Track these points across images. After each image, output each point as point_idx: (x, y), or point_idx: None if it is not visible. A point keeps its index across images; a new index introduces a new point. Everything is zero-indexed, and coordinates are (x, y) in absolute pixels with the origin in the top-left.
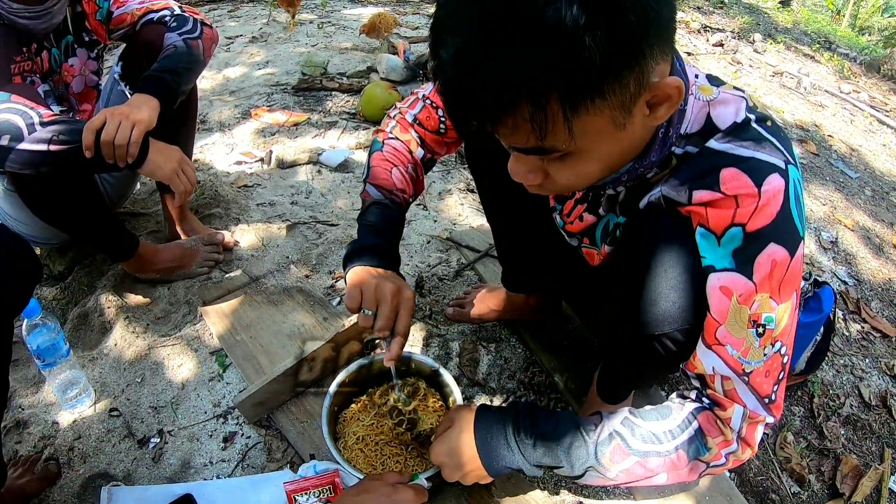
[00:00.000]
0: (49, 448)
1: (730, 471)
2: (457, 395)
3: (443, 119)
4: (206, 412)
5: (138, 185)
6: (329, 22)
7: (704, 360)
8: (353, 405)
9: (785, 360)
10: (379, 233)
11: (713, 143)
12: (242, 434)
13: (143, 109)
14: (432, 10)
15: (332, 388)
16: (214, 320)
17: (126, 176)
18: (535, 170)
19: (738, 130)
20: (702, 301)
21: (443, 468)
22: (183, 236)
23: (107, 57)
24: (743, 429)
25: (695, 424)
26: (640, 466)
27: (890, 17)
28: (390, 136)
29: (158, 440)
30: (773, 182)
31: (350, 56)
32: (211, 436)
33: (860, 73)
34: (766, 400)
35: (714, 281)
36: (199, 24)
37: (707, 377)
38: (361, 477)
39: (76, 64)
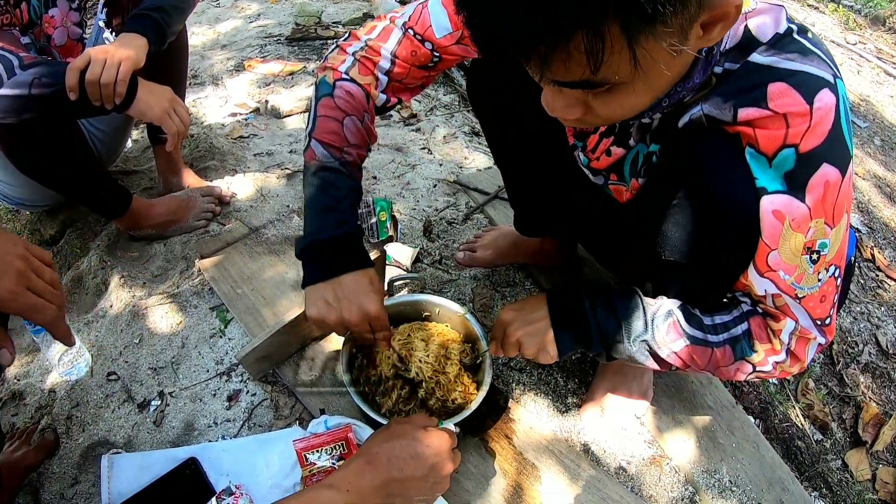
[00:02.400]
0: (46, 418)
1: (755, 417)
2: (483, 341)
3: (436, 54)
4: (208, 370)
5: (129, 143)
6: None
7: (756, 284)
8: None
9: (839, 283)
10: (329, 216)
11: (756, 57)
12: (247, 392)
13: (130, 47)
14: None
15: (343, 358)
16: (214, 274)
17: (116, 130)
18: (576, 104)
19: (782, 42)
20: (756, 222)
21: (510, 326)
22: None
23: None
24: (792, 343)
25: (744, 325)
26: (688, 352)
27: None
28: (344, 76)
29: (159, 403)
30: (825, 98)
31: (344, 5)
32: (214, 395)
33: (865, 26)
34: (820, 322)
35: (766, 204)
36: None
37: (757, 296)
38: (383, 422)
39: (57, 15)
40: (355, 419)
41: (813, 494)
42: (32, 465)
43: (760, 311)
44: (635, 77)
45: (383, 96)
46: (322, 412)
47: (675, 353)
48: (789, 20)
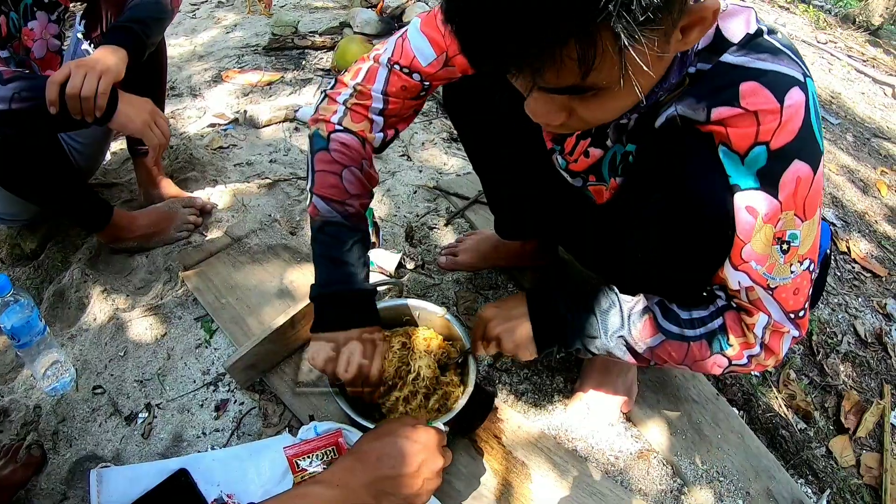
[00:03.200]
0: (32, 434)
1: (739, 409)
2: (466, 339)
3: (425, 83)
4: (194, 381)
5: (108, 156)
6: None
7: (730, 277)
8: None
9: (813, 276)
10: (336, 271)
11: (728, 58)
12: (235, 401)
13: (111, 60)
14: None
15: None
16: (197, 285)
17: (95, 142)
18: (560, 110)
19: (752, 42)
20: (730, 219)
21: (490, 323)
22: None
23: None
24: (766, 336)
25: (719, 320)
26: (665, 348)
27: None
28: (338, 127)
29: (147, 415)
30: (795, 96)
31: (320, 15)
32: (202, 405)
33: (835, 25)
34: (793, 315)
35: (740, 201)
36: None
37: (732, 290)
38: (371, 426)
39: (36, 28)
40: (345, 424)
41: (799, 482)
42: (20, 483)
43: (735, 305)
44: (621, 81)
45: (380, 135)
46: (311, 418)
47: (652, 348)
48: (759, 21)
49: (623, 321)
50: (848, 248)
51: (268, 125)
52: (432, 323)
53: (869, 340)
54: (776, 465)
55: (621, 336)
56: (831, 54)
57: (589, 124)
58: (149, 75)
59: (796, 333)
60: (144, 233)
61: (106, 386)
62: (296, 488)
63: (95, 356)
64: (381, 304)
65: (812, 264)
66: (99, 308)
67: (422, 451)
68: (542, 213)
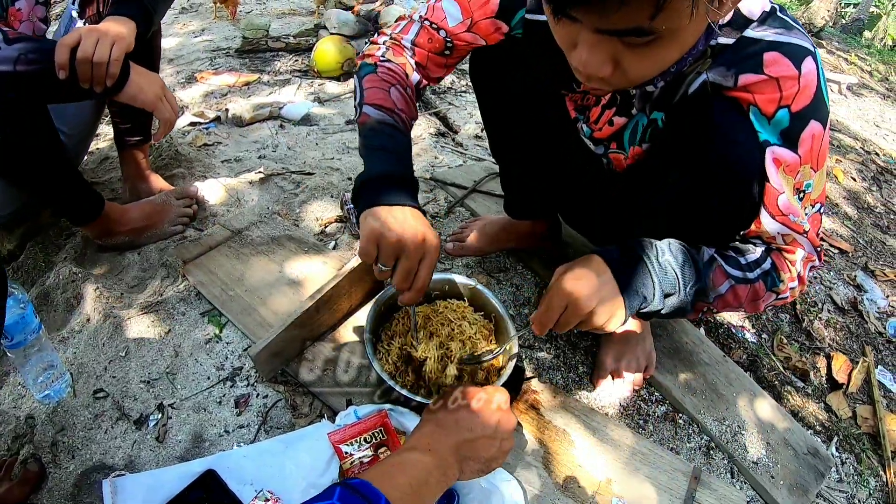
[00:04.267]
0: (27, 447)
1: (746, 369)
2: (500, 308)
3: (448, 40)
4: (209, 377)
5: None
6: None
7: (769, 226)
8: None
9: (822, 218)
10: (389, 157)
11: (750, 32)
12: (257, 395)
13: (122, 29)
14: None
15: (370, 313)
16: (201, 279)
17: (82, 130)
18: (610, 60)
19: (770, 19)
20: (763, 170)
21: (573, 300)
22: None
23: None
24: (801, 268)
25: (770, 260)
26: (732, 293)
27: None
28: (382, 59)
29: (159, 416)
30: (809, 65)
31: (288, 20)
32: (220, 402)
33: None
34: (818, 249)
35: (769, 154)
36: None
37: (769, 237)
38: (425, 402)
39: (24, 7)
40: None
41: (808, 432)
42: (18, 502)
43: (775, 247)
44: (674, 31)
45: (416, 76)
46: (349, 402)
47: (720, 295)
48: (770, 1)
49: (699, 273)
50: None
51: (251, 123)
52: (465, 294)
53: (846, 308)
54: (788, 417)
55: (697, 288)
56: None
57: (631, 81)
58: (146, 56)
59: (818, 263)
60: (137, 226)
61: (108, 389)
62: (390, 458)
63: (92, 358)
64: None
65: (821, 206)
66: (91, 308)
67: (496, 412)
68: (556, 188)
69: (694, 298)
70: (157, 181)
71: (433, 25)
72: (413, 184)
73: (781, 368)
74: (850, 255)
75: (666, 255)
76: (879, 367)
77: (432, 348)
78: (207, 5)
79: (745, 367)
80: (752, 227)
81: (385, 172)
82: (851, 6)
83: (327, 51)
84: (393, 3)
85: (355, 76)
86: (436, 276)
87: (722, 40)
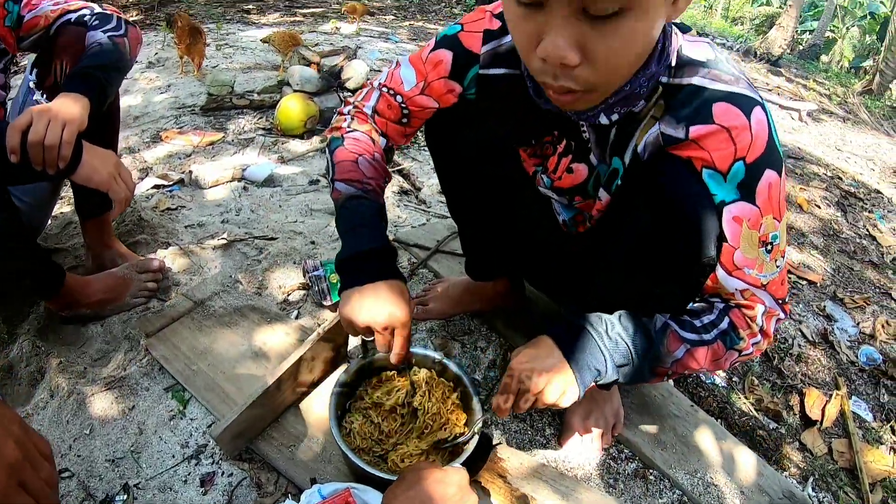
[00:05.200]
0: None
1: (717, 417)
2: (465, 380)
3: (404, 106)
4: (173, 456)
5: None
6: (226, 43)
7: (726, 283)
8: (356, 403)
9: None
10: (361, 233)
11: (698, 80)
12: (222, 473)
13: (74, 108)
14: (327, 27)
15: (335, 389)
16: (164, 353)
17: (42, 201)
18: (576, 45)
19: (717, 68)
20: (719, 230)
21: (532, 379)
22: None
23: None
24: (764, 323)
25: (727, 319)
26: (689, 356)
27: (759, 6)
28: (349, 130)
29: (125, 497)
30: (759, 114)
31: (254, 75)
32: (186, 481)
33: (739, 60)
34: (781, 301)
35: (727, 213)
36: (122, 22)
37: (727, 294)
38: (387, 477)
39: None
40: (351, 483)
41: (784, 474)
42: None
43: (733, 304)
44: (638, 7)
45: (383, 140)
46: (313, 481)
47: (678, 360)
48: (717, 50)
49: (651, 341)
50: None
51: (215, 185)
52: (431, 366)
53: (816, 340)
54: (761, 462)
55: (652, 356)
56: None
57: (597, 73)
58: (103, 127)
59: (783, 316)
60: (99, 299)
61: (73, 468)
62: None
63: (57, 436)
64: (379, 355)
65: (785, 255)
66: (55, 383)
67: (457, 492)
68: (514, 247)
69: (650, 366)
70: (121, 249)
71: (391, 92)
72: (386, 254)
73: (753, 412)
74: (819, 285)
75: (616, 327)
76: (853, 397)
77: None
78: (174, 60)
79: (716, 415)
80: (709, 283)
81: (357, 252)
82: (807, 32)
83: (290, 109)
84: (355, 58)
85: (326, 150)
86: None
87: (673, 80)
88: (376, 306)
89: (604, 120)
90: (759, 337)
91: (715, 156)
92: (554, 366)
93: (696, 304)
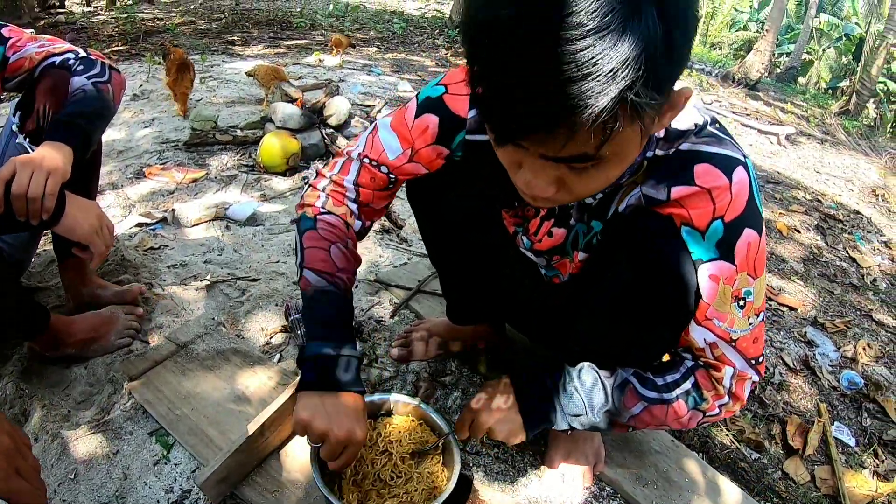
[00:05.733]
0: None
1: (698, 451)
2: (442, 424)
3: (392, 177)
4: (158, 501)
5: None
6: (210, 76)
7: (696, 335)
8: None
9: (765, 326)
10: (328, 333)
11: (683, 145)
12: None
13: (57, 158)
14: (311, 59)
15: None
16: (147, 397)
17: (24, 241)
18: (555, 181)
19: (702, 132)
20: (695, 288)
21: (480, 417)
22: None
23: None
24: (733, 386)
25: (692, 379)
26: (648, 413)
27: (737, 31)
28: (322, 210)
29: None
30: (740, 174)
31: (237, 109)
32: None
33: (717, 85)
34: (754, 361)
35: (703, 271)
36: (106, 68)
37: (698, 349)
38: None
39: None
40: None
41: None
42: None
43: (702, 364)
44: (618, 154)
45: (358, 222)
46: None
47: (635, 416)
48: (702, 113)
49: (607, 396)
50: None
51: (198, 224)
52: (408, 412)
53: (798, 367)
54: (743, 495)
55: (607, 410)
56: (718, 113)
57: (577, 197)
58: (85, 174)
59: (756, 378)
60: (83, 339)
61: None
62: None
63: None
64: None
65: (763, 315)
66: (40, 426)
67: None
68: (496, 299)
69: (606, 419)
70: (98, 282)
71: (373, 163)
72: (350, 362)
73: (735, 444)
74: (799, 311)
75: (574, 381)
76: (836, 423)
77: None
78: (159, 92)
79: (698, 449)
80: (682, 335)
81: (323, 354)
82: (785, 55)
83: (273, 146)
84: (338, 94)
85: (296, 230)
86: (380, 396)
87: (659, 152)
88: (336, 420)
89: (588, 200)
90: (726, 399)
91: (693, 214)
92: (505, 408)
93: (663, 361)
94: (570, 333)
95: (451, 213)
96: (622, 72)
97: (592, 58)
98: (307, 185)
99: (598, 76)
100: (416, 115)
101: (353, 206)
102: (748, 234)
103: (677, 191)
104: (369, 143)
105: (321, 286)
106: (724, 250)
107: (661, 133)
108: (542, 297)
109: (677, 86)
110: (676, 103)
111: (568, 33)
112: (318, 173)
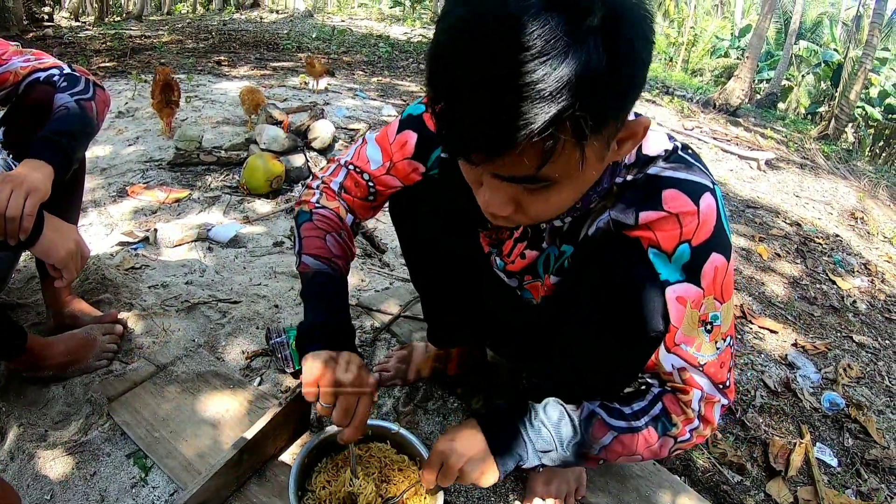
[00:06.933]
0: None
1: (680, 475)
2: (422, 451)
3: (371, 185)
4: None
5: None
6: (196, 96)
7: (664, 361)
8: (317, 478)
9: (733, 351)
10: (327, 306)
11: (652, 170)
12: None
13: (38, 177)
14: (296, 80)
15: (295, 469)
16: (126, 418)
17: (5, 258)
18: (510, 201)
19: (671, 157)
20: (663, 310)
21: (449, 460)
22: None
23: None
24: (702, 409)
25: (660, 405)
26: (618, 443)
27: (718, 58)
28: (317, 205)
29: None
30: (708, 199)
31: (222, 130)
32: None
33: (698, 111)
34: (721, 385)
35: (670, 293)
36: (91, 85)
37: (665, 374)
38: None
39: None
40: None
41: None
42: None
43: (669, 389)
44: (567, 177)
45: (350, 216)
46: None
47: (605, 447)
48: (673, 140)
49: (575, 429)
50: (743, 311)
51: (180, 244)
52: (388, 439)
53: (779, 390)
54: None
55: (576, 443)
56: (699, 139)
57: (533, 219)
58: (66, 190)
59: (725, 402)
60: (61, 361)
61: None
62: None
63: None
64: (334, 429)
65: (731, 339)
66: (16, 446)
67: None
68: (476, 319)
69: (576, 452)
70: (81, 306)
71: (357, 170)
72: (349, 331)
73: (718, 466)
74: (780, 333)
75: (540, 415)
76: (818, 444)
77: (371, 483)
78: (144, 110)
79: (679, 473)
80: (651, 359)
81: (323, 322)
82: (765, 81)
83: (257, 168)
84: (322, 118)
85: (294, 223)
86: None
87: (630, 177)
88: (342, 369)
89: (557, 223)
90: (696, 423)
91: (661, 237)
92: (474, 450)
93: (629, 389)
94: (553, 355)
95: (428, 230)
96: (560, 94)
97: (534, 80)
98: (304, 187)
99: (537, 97)
100: (398, 131)
101: (344, 204)
102: (715, 258)
103: (645, 215)
104: (356, 153)
105: (318, 267)
106: (691, 273)
107: (632, 159)
108: (520, 318)
109: (637, 115)
110: (635, 132)
111: (513, 57)
112: (312, 175)
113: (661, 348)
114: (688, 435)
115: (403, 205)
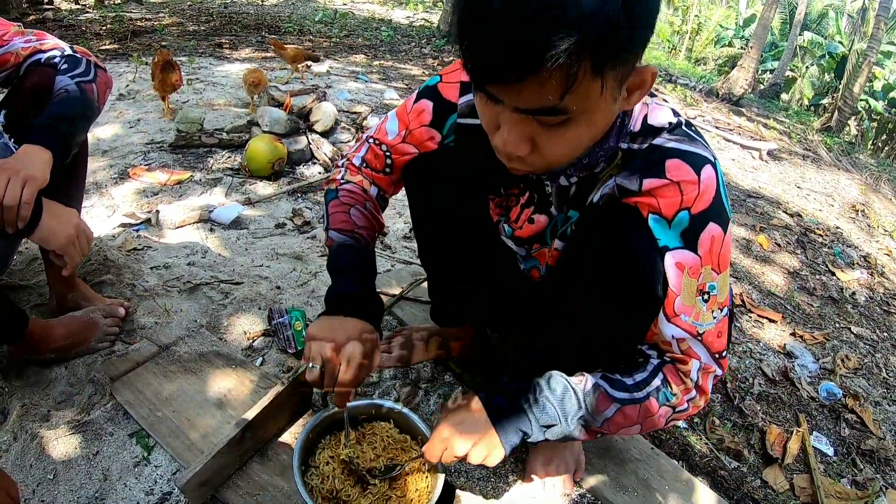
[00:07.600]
0: None
1: (678, 459)
2: (425, 430)
3: (388, 154)
4: (138, 503)
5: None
6: (198, 79)
7: (665, 330)
8: (320, 454)
9: (729, 321)
10: (349, 278)
11: (658, 140)
12: None
13: (36, 164)
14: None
15: (298, 445)
16: (128, 398)
17: (4, 244)
18: (527, 140)
19: (676, 130)
20: (662, 275)
21: (450, 442)
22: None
23: None
24: (699, 379)
25: (660, 375)
26: (620, 414)
27: (721, 47)
28: (342, 182)
29: None
30: (709, 171)
31: (224, 112)
32: None
33: (701, 100)
34: (718, 355)
35: (669, 259)
36: (92, 67)
37: (664, 343)
38: None
39: None
40: None
41: None
42: None
43: (669, 359)
44: (584, 112)
45: (374, 189)
46: None
47: (608, 419)
48: (677, 115)
49: (580, 402)
50: (742, 300)
51: (182, 226)
52: (391, 418)
53: (777, 378)
54: (723, 502)
55: (581, 416)
56: (701, 128)
57: (547, 161)
58: (68, 177)
59: (720, 372)
60: (62, 344)
61: None
62: None
63: (20, 480)
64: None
65: (727, 310)
66: (19, 426)
67: None
68: (481, 292)
69: (580, 425)
70: (84, 290)
71: (377, 142)
72: (370, 299)
73: (716, 451)
74: (779, 323)
75: (545, 390)
76: (815, 433)
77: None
78: (145, 93)
79: (678, 457)
80: (651, 329)
81: (344, 292)
82: (768, 72)
83: (259, 150)
84: (325, 100)
85: (324, 201)
86: (362, 401)
87: (635, 146)
88: (339, 330)
89: (563, 182)
90: (693, 393)
91: (662, 203)
92: (479, 429)
93: (629, 362)
94: (548, 325)
95: (442, 199)
96: (582, 23)
97: (561, 7)
98: (333, 167)
99: (563, 23)
100: (415, 101)
101: (367, 178)
102: (713, 227)
103: (649, 182)
104: (379, 128)
105: (342, 240)
106: (689, 240)
107: (637, 126)
108: (524, 290)
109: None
110: (644, 79)
111: None
112: (341, 155)
113: (662, 318)
114: (686, 405)
115: (417, 172)
